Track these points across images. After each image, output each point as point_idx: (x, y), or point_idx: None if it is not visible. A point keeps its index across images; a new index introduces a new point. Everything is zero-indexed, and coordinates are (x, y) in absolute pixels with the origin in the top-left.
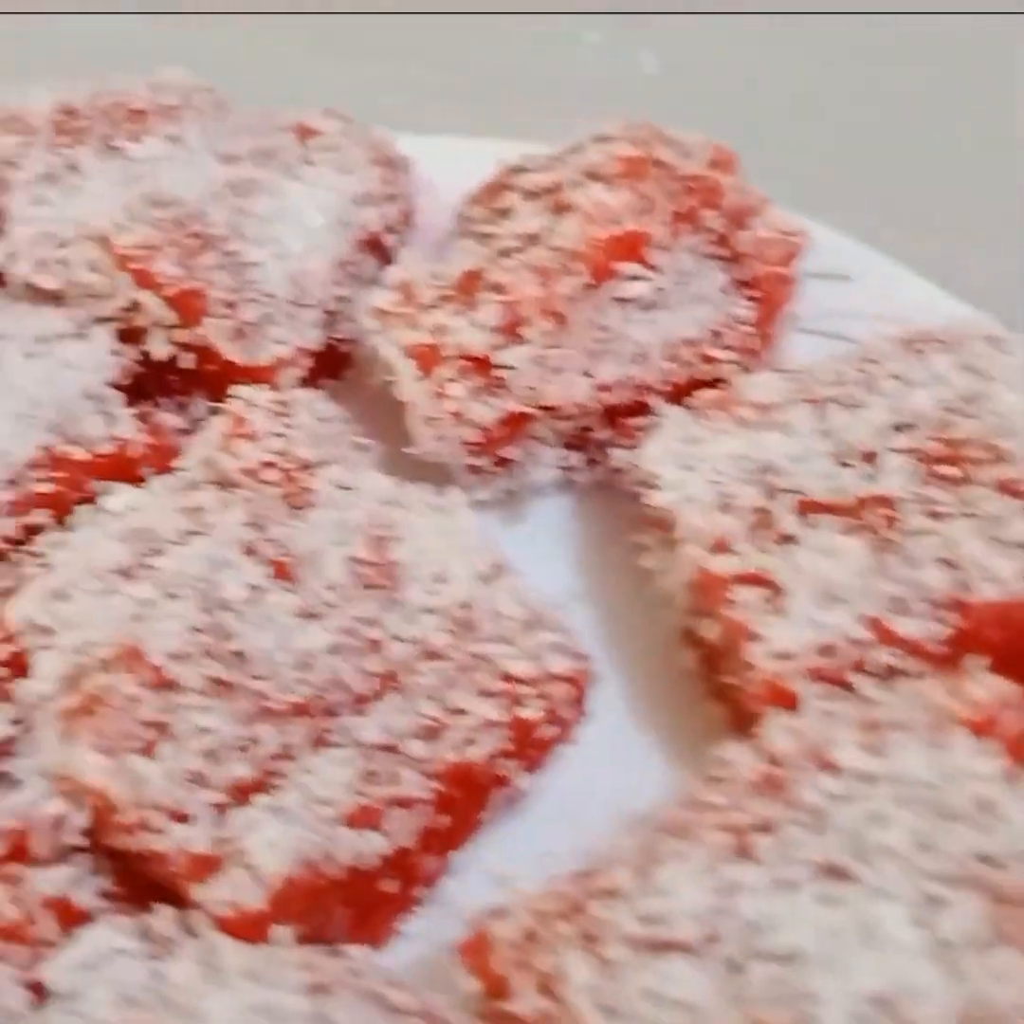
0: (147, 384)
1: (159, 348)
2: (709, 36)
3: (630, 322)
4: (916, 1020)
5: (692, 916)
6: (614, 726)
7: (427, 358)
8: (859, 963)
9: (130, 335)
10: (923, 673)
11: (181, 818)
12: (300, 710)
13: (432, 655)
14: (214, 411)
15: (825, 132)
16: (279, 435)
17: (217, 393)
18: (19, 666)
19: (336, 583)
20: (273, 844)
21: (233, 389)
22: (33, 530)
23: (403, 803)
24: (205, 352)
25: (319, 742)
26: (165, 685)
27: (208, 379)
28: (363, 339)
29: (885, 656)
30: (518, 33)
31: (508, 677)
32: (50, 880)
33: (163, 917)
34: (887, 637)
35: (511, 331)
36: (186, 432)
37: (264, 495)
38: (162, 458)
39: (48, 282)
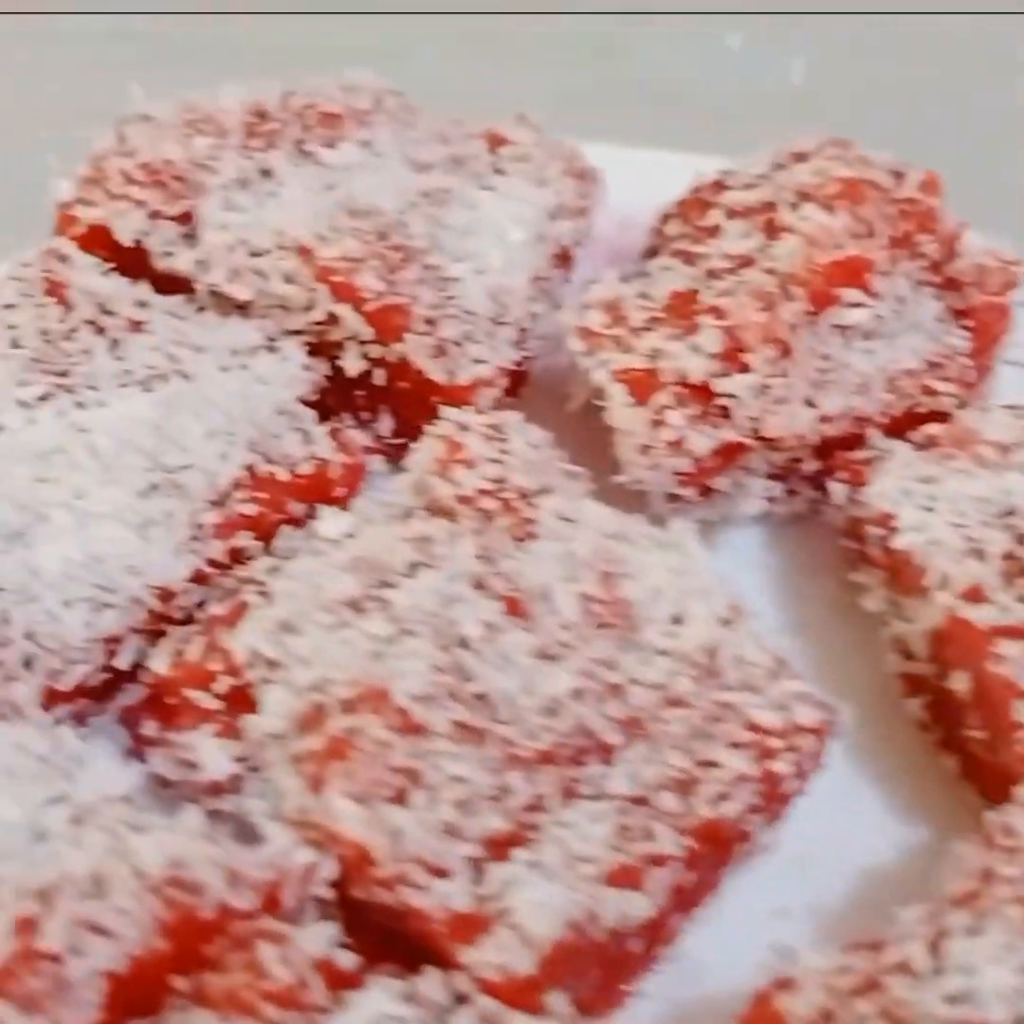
0: (330, 400)
1: (352, 364)
2: (857, 38)
3: (850, 351)
4: None
5: (999, 997)
6: (837, 775)
7: (643, 384)
8: None
9: (319, 349)
10: None
11: (440, 873)
12: (546, 758)
13: (675, 702)
14: (402, 430)
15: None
16: (495, 461)
17: (405, 411)
18: (238, 700)
19: (569, 622)
20: (540, 905)
21: (443, 411)
22: (236, 553)
23: (657, 861)
24: (398, 369)
25: (568, 793)
26: (413, 729)
27: (398, 397)
28: (552, 358)
29: None
30: (658, 35)
31: (755, 727)
32: (314, 939)
33: (431, 980)
34: None
35: (732, 358)
36: (371, 450)
37: (492, 526)
38: (353, 478)
39: (242, 292)
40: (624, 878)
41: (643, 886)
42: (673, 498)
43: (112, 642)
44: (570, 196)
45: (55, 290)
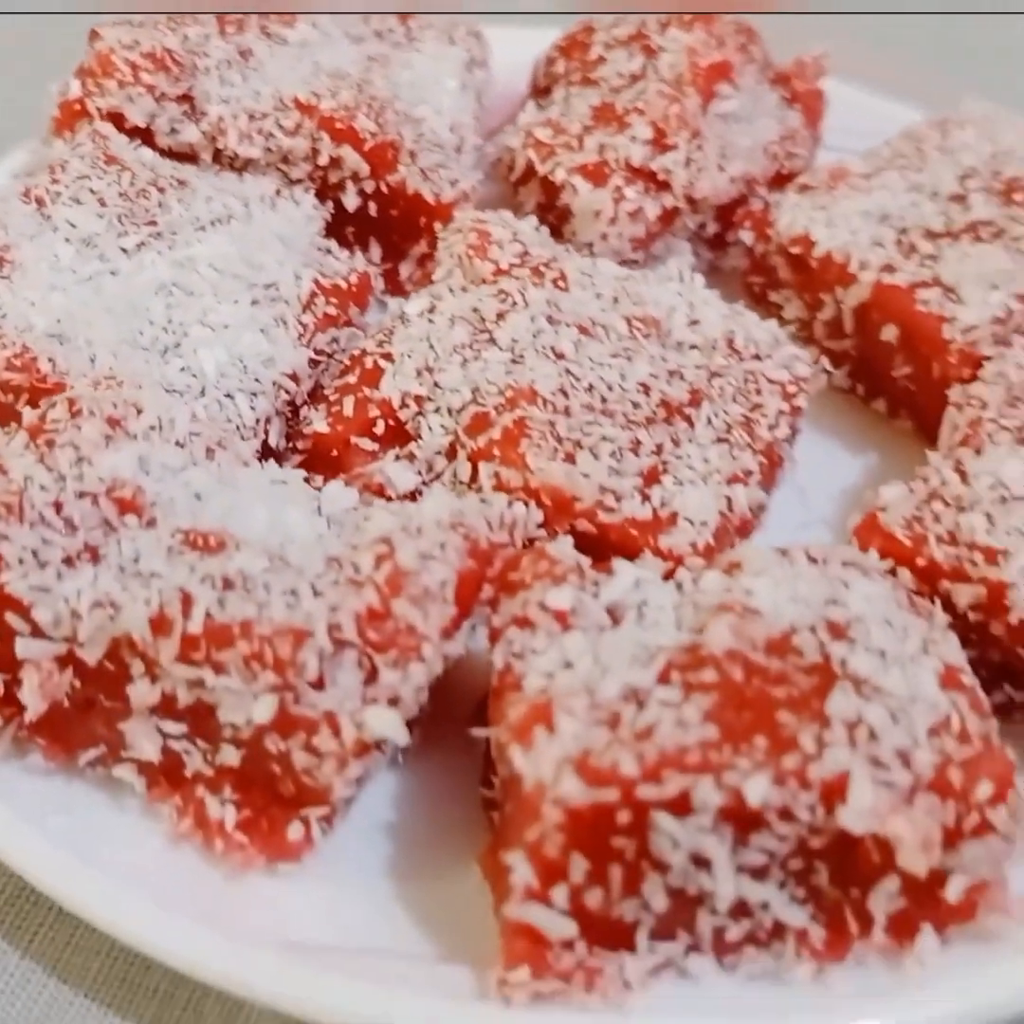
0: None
1: (351, 200)
2: None
3: (731, 131)
4: None
5: (1016, 479)
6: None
7: (598, 173)
8: None
9: (319, 192)
10: None
11: (620, 498)
12: (650, 420)
13: (717, 373)
14: (387, 256)
15: None
16: (516, 241)
17: (392, 238)
18: (395, 437)
19: (623, 335)
20: (700, 503)
21: (457, 216)
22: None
23: (748, 474)
24: (390, 199)
25: (674, 442)
26: (561, 411)
27: (388, 225)
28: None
29: None
30: None
31: (775, 382)
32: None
33: (652, 561)
34: None
35: (660, 143)
36: None
37: (544, 280)
38: (370, 289)
39: (252, 151)
40: (737, 480)
41: (749, 485)
42: (624, 264)
43: (265, 423)
44: (476, 51)
45: (114, 161)
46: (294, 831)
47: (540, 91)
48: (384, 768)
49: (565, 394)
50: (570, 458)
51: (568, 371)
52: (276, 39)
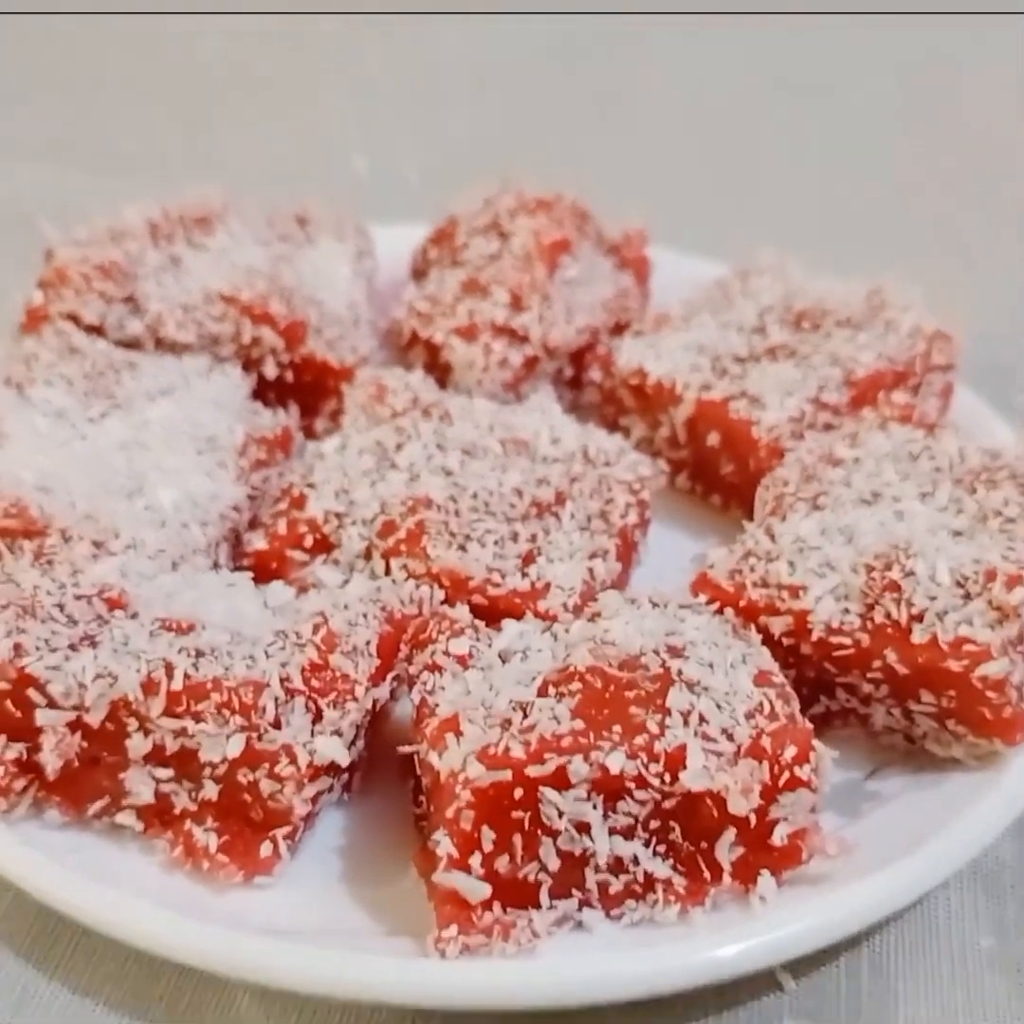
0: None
1: (270, 370)
2: None
3: (575, 292)
4: None
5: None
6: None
7: (470, 332)
8: None
9: (244, 365)
10: (842, 424)
11: (503, 575)
12: (525, 516)
13: (575, 478)
14: (304, 415)
15: None
16: (407, 389)
17: (307, 399)
18: (320, 547)
19: (499, 453)
20: (567, 574)
21: (357, 374)
22: (264, 484)
23: (605, 552)
24: (302, 367)
25: (544, 532)
26: (451, 513)
27: (302, 388)
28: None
29: (823, 417)
30: None
31: (622, 482)
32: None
33: (534, 622)
34: (822, 406)
35: (517, 305)
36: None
37: (432, 418)
38: (292, 439)
39: (187, 336)
40: (596, 555)
41: (607, 559)
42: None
43: (215, 547)
44: (363, 245)
45: (75, 351)
46: (265, 849)
47: (418, 274)
48: (333, 807)
49: (455, 500)
50: (462, 548)
51: (456, 484)
52: (199, 247)
